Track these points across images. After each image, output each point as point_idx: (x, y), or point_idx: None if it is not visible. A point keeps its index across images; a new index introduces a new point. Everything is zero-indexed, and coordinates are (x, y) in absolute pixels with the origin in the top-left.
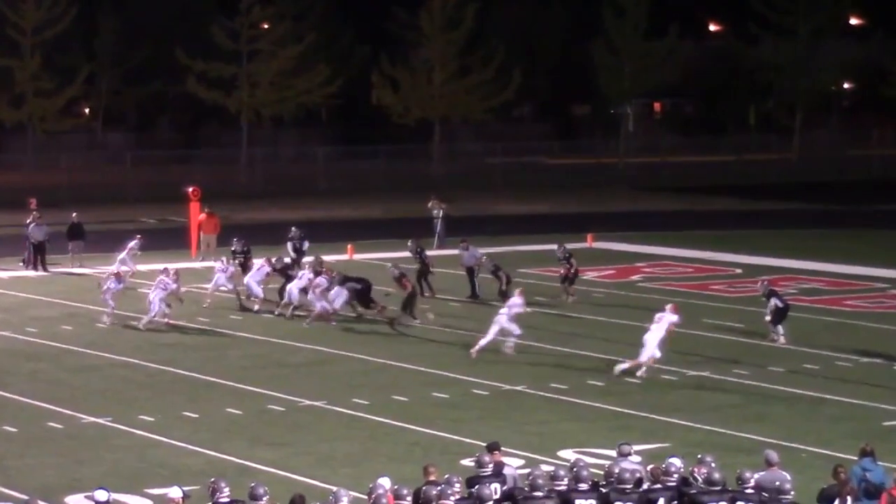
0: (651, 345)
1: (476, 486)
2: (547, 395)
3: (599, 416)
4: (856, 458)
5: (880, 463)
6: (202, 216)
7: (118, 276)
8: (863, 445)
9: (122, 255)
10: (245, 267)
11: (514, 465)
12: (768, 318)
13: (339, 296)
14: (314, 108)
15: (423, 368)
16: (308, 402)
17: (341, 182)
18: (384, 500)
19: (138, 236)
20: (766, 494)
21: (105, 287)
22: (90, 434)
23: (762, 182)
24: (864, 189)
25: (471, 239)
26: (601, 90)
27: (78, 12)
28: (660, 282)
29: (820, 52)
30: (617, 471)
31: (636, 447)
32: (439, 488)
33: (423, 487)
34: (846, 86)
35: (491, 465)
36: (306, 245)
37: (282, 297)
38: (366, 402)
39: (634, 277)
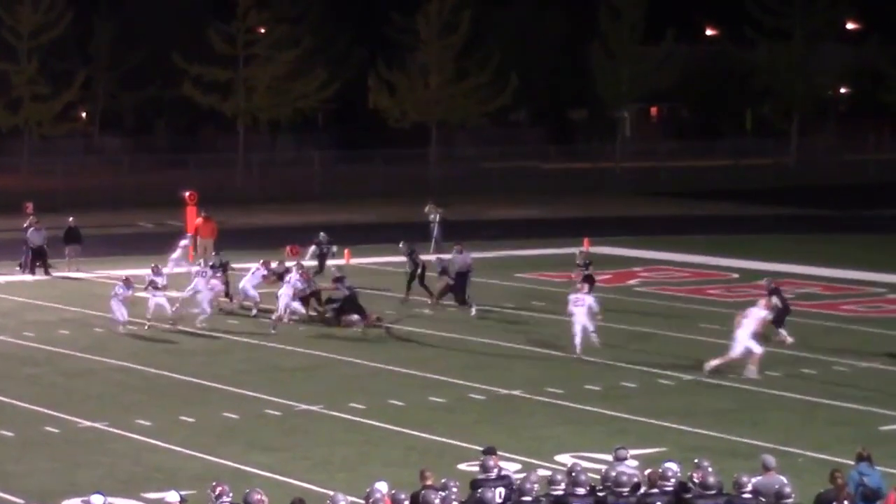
0: (742, 340)
1: (479, 490)
2: (543, 399)
3: (596, 421)
4: (853, 462)
5: (877, 467)
6: (199, 220)
7: (127, 282)
8: (859, 450)
9: (175, 254)
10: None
11: (510, 469)
12: (770, 317)
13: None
14: (311, 113)
15: (419, 373)
16: (304, 407)
17: (338, 186)
18: None
19: (189, 234)
20: (764, 499)
21: (113, 293)
22: (87, 438)
23: (759, 186)
24: (861, 193)
25: (466, 243)
26: (598, 94)
27: (74, 16)
28: (656, 286)
29: (816, 57)
30: (614, 475)
31: (633, 451)
32: (441, 494)
33: (422, 492)
34: (843, 90)
35: (496, 470)
36: (333, 250)
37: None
38: (362, 407)
39: (631, 282)
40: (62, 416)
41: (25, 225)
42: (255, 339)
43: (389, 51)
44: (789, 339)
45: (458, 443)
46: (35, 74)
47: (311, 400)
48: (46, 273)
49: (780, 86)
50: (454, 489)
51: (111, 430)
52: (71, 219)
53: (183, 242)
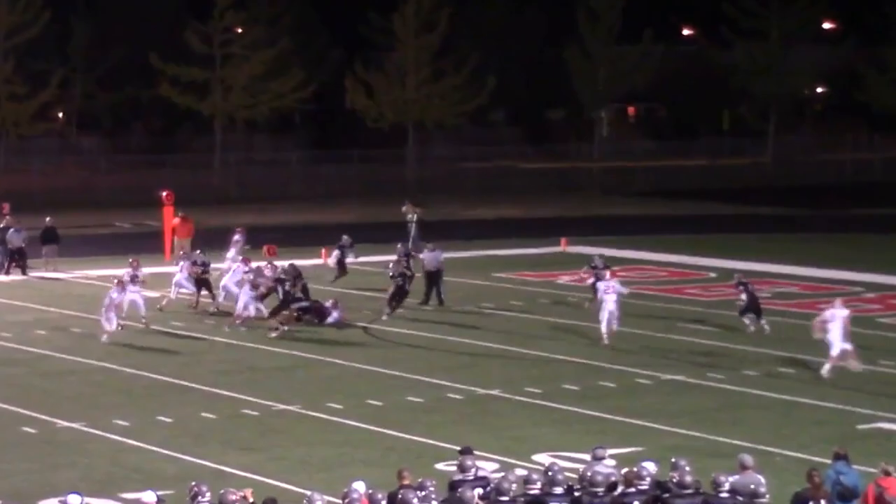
0: (836, 341)
1: (458, 490)
2: (522, 399)
3: (574, 420)
4: (830, 461)
5: (854, 466)
6: (176, 220)
7: (121, 285)
8: (836, 449)
9: (231, 252)
10: (204, 281)
11: (488, 468)
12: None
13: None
14: (288, 113)
15: (397, 373)
16: (282, 407)
17: (315, 186)
18: None
19: (239, 229)
20: (741, 498)
21: (107, 299)
22: (64, 439)
23: (736, 186)
24: (838, 193)
25: (444, 243)
26: (575, 95)
27: (51, 16)
28: (634, 286)
29: (792, 57)
30: (589, 474)
31: (611, 451)
32: (419, 493)
33: (400, 491)
34: (819, 90)
35: (473, 470)
36: (351, 255)
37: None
38: (340, 407)
39: None
40: (39, 416)
41: (2, 226)
42: (233, 339)
43: (367, 51)
44: (760, 327)
45: (437, 443)
46: (11, 74)
47: (288, 400)
48: (23, 273)
49: (756, 86)
50: (431, 489)
51: (89, 430)
52: (48, 219)
53: (236, 237)
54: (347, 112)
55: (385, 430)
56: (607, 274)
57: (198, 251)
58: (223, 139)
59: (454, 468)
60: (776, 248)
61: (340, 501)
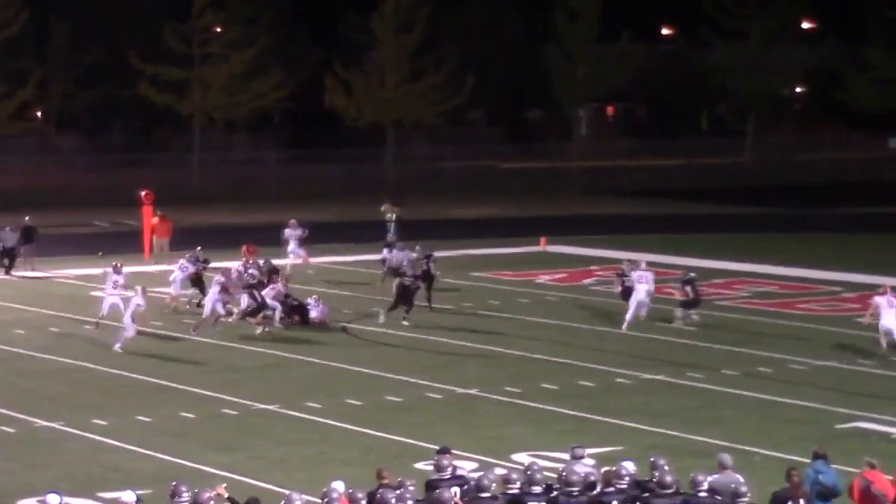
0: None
1: (437, 490)
2: (501, 398)
3: (553, 420)
4: (809, 460)
5: (833, 466)
6: (155, 220)
7: (145, 291)
8: (815, 448)
9: (292, 246)
10: (199, 278)
11: (467, 468)
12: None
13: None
14: (267, 112)
15: (376, 372)
16: (261, 406)
17: (294, 185)
18: None
19: (292, 221)
20: (720, 497)
21: (133, 307)
22: (43, 438)
23: (715, 185)
24: (817, 192)
25: (423, 243)
26: (554, 94)
27: (30, 16)
28: (612, 285)
29: (772, 56)
30: (565, 474)
31: (590, 451)
32: (397, 492)
33: (379, 490)
34: (799, 90)
35: (450, 469)
36: (392, 253)
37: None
38: (319, 406)
39: (587, 281)
40: (18, 415)
41: None
42: (212, 338)
43: (346, 50)
44: (679, 322)
45: (416, 442)
46: None
47: (267, 399)
48: (7, 273)
49: (735, 86)
50: (410, 488)
51: (68, 429)
52: (27, 218)
53: (292, 230)
54: (326, 111)
55: (364, 430)
56: (643, 264)
57: (198, 248)
58: (202, 138)
59: (433, 468)
60: (755, 248)
61: (320, 501)
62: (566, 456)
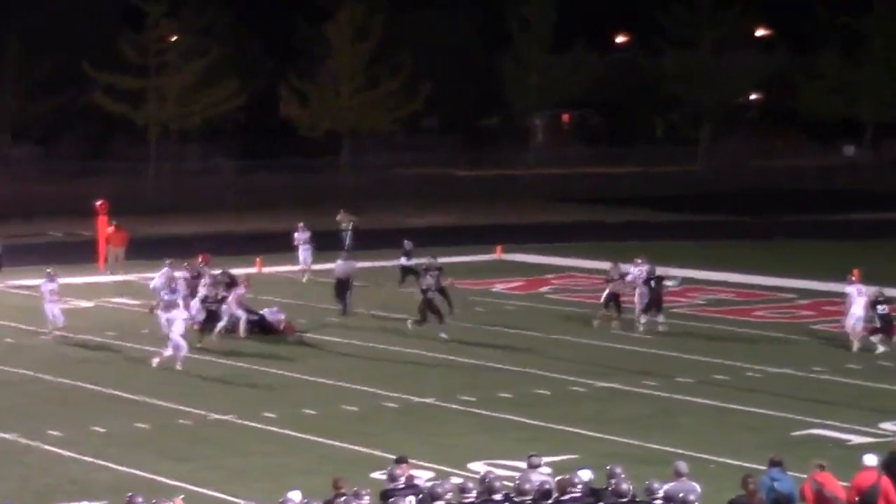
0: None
1: (391, 500)
2: (457, 407)
3: (510, 428)
4: (765, 468)
5: (789, 473)
6: (110, 229)
7: (187, 305)
8: (771, 455)
9: (303, 251)
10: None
11: (423, 477)
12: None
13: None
14: (221, 122)
15: (332, 382)
16: (217, 417)
17: (249, 195)
18: None
19: (301, 224)
20: None
21: (182, 323)
22: None
23: (669, 193)
24: (771, 200)
25: (380, 252)
26: (509, 102)
27: None
28: (569, 293)
29: (724, 64)
30: (518, 483)
31: (546, 459)
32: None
33: (336, 500)
34: (752, 97)
35: (404, 478)
36: (409, 260)
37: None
38: (275, 416)
39: (543, 289)
40: None
41: None
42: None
43: (300, 60)
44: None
45: (372, 451)
46: None
47: (223, 409)
48: None
49: (688, 94)
50: (365, 498)
51: (22, 441)
52: None
53: (297, 235)
54: (281, 120)
55: (320, 439)
56: (638, 261)
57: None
58: (157, 148)
59: (387, 478)
60: (710, 255)
61: None
62: (523, 464)
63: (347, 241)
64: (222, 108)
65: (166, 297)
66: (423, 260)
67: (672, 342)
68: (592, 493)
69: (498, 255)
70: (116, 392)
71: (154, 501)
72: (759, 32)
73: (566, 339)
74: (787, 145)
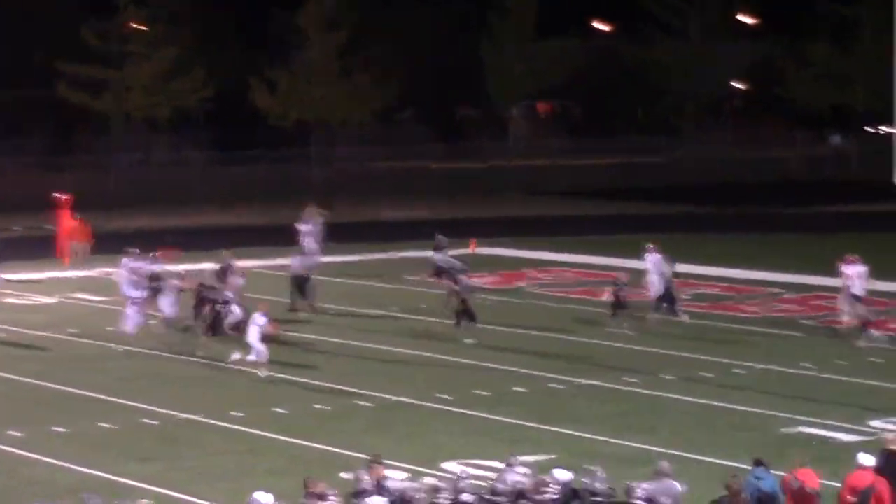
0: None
1: (362, 500)
2: (433, 405)
3: (487, 428)
4: (749, 467)
5: (774, 472)
6: (73, 224)
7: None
8: (756, 456)
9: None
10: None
11: (397, 478)
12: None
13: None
14: (190, 113)
15: (303, 380)
16: (184, 416)
17: (218, 188)
18: None
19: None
20: None
21: (258, 328)
22: None
23: (652, 185)
24: (757, 191)
25: (352, 246)
26: (487, 92)
27: None
28: (547, 288)
29: (711, 52)
30: (492, 483)
31: (524, 458)
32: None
33: (304, 501)
34: (739, 86)
35: (375, 479)
36: (440, 256)
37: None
38: (244, 416)
39: (521, 283)
40: None
41: None
42: (134, 346)
43: (272, 48)
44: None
45: (345, 451)
46: None
47: (190, 409)
48: None
49: (673, 83)
50: (332, 499)
51: None
52: None
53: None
54: (252, 112)
55: (291, 439)
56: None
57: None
58: (122, 140)
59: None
60: (695, 249)
61: None
62: (499, 464)
63: (318, 237)
64: (191, 98)
65: (135, 294)
66: (455, 261)
67: (655, 338)
68: (571, 493)
69: (471, 249)
70: (79, 391)
71: (115, 502)
72: (746, 20)
73: (545, 336)
74: (774, 135)
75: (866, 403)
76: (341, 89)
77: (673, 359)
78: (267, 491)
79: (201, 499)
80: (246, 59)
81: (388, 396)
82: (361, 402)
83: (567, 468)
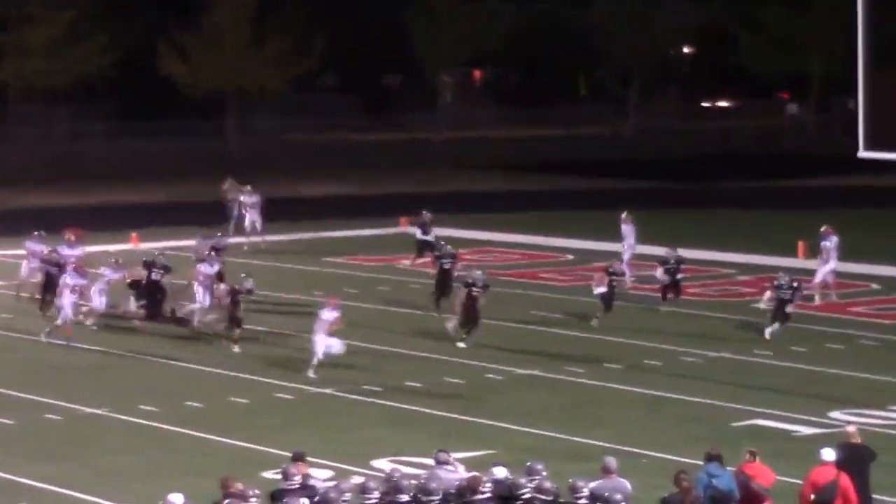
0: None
1: (284, 501)
2: (359, 398)
3: (419, 421)
4: (702, 462)
5: (728, 468)
6: None
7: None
8: (709, 449)
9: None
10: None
11: (321, 476)
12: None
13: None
14: (92, 81)
15: (220, 371)
16: (90, 411)
17: (124, 162)
18: None
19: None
20: None
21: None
22: None
23: (595, 158)
24: (707, 164)
25: (272, 225)
26: (416, 58)
27: None
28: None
29: (657, 15)
30: (424, 481)
31: (459, 454)
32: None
33: (225, 502)
34: (686, 51)
35: (298, 478)
36: (426, 234)
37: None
38: (155, 410)
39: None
40: None
41: None
42: (33, 335)
43: (181, 12)
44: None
45: (263, 448)
46: None
47: (96, 403)
48: None
49: (616, 47)
50: (253, 500)
51: None
52: None
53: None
54: (160, 79)
55: (206, 435)
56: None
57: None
58: (18, 111)
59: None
60: (641, 227)
61: None
62: (431, 461)
63: (234, 214)
64: (93, 64)
65: (71, 281)
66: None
67: (598, 324)
68: (508, 491)
69: (402, 227)
70: None
71: None
72: None
73: (481, 322)
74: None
75: (826, 393)
76: (255, 55)
77: (617, 346)
78: (181, 492)
79: (110, 501)
80: (154, 22)
81: (309, 388)
82: (282, 395)
83: (505, 465)
